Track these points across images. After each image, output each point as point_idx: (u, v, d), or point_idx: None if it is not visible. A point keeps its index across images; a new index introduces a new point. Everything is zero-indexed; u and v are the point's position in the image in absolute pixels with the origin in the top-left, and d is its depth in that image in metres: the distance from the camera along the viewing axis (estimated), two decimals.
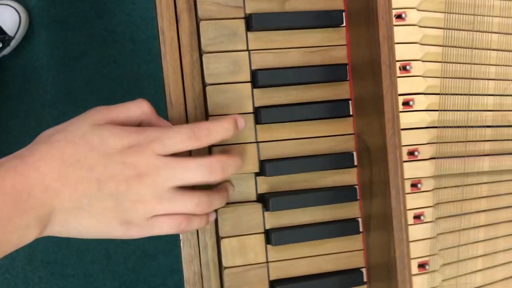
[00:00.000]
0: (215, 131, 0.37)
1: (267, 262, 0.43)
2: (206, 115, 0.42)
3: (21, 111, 1.14)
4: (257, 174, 0.43)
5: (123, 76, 1.18)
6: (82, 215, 0.35)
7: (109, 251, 1.17)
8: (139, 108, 0.38)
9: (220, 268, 0.43)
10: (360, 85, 0.43)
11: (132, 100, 0.38)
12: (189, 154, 0.41)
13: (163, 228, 0.37)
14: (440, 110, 0.45)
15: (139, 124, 0.38)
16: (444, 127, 0.45)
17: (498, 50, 0.46)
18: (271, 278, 0.43)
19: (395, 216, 0.38)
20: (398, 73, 0.42)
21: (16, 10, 1.11)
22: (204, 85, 0.42)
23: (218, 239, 0.43)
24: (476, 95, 0.46)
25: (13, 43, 1.13)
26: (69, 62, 1.16)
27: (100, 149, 0.35)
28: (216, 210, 0.42)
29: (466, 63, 0.46)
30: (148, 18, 1.18)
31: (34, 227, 0.34)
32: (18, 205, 0.33)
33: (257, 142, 0.43)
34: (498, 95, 0.47)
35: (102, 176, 0.35)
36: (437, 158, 0.45)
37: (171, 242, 1.19)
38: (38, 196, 0.34)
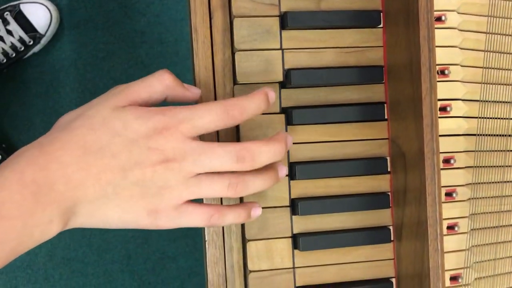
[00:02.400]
0: (249, 107, 0.34)
1: (294, 267, 0.42)
2: None
3: (48, 108, 1.16)
4: (290, 178, 0.42)
5: None
6: (108, 205, 0.34)
7: (129, 251, 1.17)
8: (162, 83, 0.35)
9: (245, 271, 0.42)
10: (396, 88, 0.41)
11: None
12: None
13: (192, 219, 0.35)
14: (479, 117, 0.44)
15: (164, 99, 0.36)
16: (483, 135, 0.44)
17: None
18: (297, 284, 0.42)
19: (430, 224, 0.37)
20: (437, 77, 0.41)
21: (48, 9, 1.12)
22: (235, 83, 0.41)
23: (244, 241, 0.42)
24: None
25: (43, 41, 1.14)
26: (96, 62, 1.17)
27: (123, 134, 0.33)
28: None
29: (508, 70, 0.44)
30: (177, 19, 1.18)
31: (57, 221, 0.33)
32: (39, 199, 0.32)
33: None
34: None
35: (127, 163, 0.33)
36: (474, 167, 0.44)
37: (191, 245, 1.18)
38: (60, 189, 0.32)
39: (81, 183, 0.33)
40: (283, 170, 0.36)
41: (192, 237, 1.17)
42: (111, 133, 0.33)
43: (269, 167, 0.36)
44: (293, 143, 0.42)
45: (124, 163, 0.33)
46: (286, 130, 0.42)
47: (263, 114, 0.41)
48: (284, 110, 0.42)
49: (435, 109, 0.37)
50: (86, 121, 0.33)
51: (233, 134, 0.41)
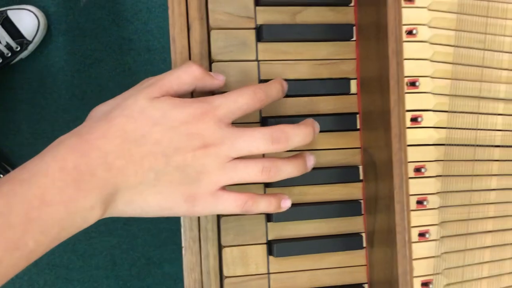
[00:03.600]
0: (271, 91, 0.37)
1: (269, 273, 0.43)
2: None
3: (35, 114, 1.16)
4: (266, 186, 0.43)
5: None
6: (148, 191, 0.35)
7: (114, 257, 1.17)
8: (190, 74, 0.37)
9: (221, 277, 0.43)
10: (368, 99, 0.43)
11: None
12: None
13: (227, 205, 0.36)
14: (449, 128, 0.45)
15: (194, 90, 0.38)
16: (452, 145, 0.45)
17: (509, 69, 0.46)
18: None
19: (398, 232, 0.38)
20: (406, 88, 0.42)
21: (36, 15, 1.13)
22: (212, 93, 0.42)
23: (220, 248, 0.43)
24: (486, 114, 0.46)
25: (31, 47, 1.15)
26: (84, 68, 1.18)
27: (162, 122, 0.34)
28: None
29: (476, 81, 0.45)
30: (164, 27, 1.19)
31: (98, 208, 0.33)
32: (81, 186, 0.32)
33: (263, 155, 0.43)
34: (508, 115, 0.46)
35: (168, 149, 0.34)
36: (444, 176, 0.45)
37: (177, 251, 1.18)
38: (102, 175, 0.33)
39: (122, 169, 0.34)
40: (311, 160, 0.38)
41: (177, 243, 1.18)
42: (151, 122, 0.34)
43: (298, 156, 0.38)
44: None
45: (166, 149, 0.34)
46: None
47: (242, 123, 0.42)
48: (263, 120, 0.43)
49: (403, 120, 0.38)
50: (124, 111, 0.34)
51: None
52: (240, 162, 0.36)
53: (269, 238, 0.43)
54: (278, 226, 0.43)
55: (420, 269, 0.44)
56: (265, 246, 0.43)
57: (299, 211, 0.43)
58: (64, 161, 0.32)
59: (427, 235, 0.45)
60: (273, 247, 0.42)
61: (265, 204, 0.37)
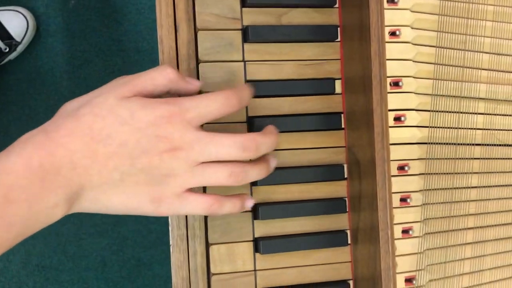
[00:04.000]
0: (243, 97, 0.37)
1: (255, 270, 0.44)
2: None
3: (24, 115, 1.16)
4: (252, 184, 0.44)
5: None
6: (113, 191, 0.35)
7: (104, 258, 1.17)
8: (165, 77, 0.36)
9: (208, 274, 0.43)
10: (352, 99, 0.43)
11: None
12: None
13: (193, 207, 0.36)
14: (431, 127, 0.46)
15: (167, 92, 0.37)
16: (434, 143, 0.46)
17: (489, 69, 0.47)
18: (258, 287, 0.44)
19: (381, 228, 0.39)
20: (389, 88, 0.43)
21: (24, 16, 1.13)
22: (199, 93, 0.43)
23: (208, 245, 0.43)
24: (466, 113, 0.47)
25: (20, 48, 1.15)
26: (73, 69, 1.18)
27: (130, 123, 0.34)
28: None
29: (457, 81, 0.47)
30: (153, 28, 1.20)
31: (62, 205, 0.34)
32: (45, 184, 0.32)
33: None
34: (487, 114, 0.47)
35: (135, 151, 0.34)
36: (427, 174, 0.46)
37: (166, 252, 1.19)
38: (67, 174, 0.33)
39: (87, 168, 0.34)
40: (274, 162, 0.39)
41: (167, 244, 1.18)
42: (118, 121, 0.34)
43: (262, 160, 0.38)
44: None
45: (132, 151, 0.34)
46: None
47: (228, 122, 0.43)
48: (249, 119, 0.44)
49: (385, 119, 0.39)
50: (93, 108, 0.34)
51: None
52: (208, 166, 0.35)
53: (256, 236, 0.44)
54: (264, 224, 0.44)
55: (404, 265, 0.45)
56: (251, 243, 0.43)
57: (285, 208, 0.43)
58: (29, 159, 0.32)
59: (410, 232, 0.46)
60: (260, 244, 0.43)
61: (230, 206, 0.37)
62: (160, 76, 0.36)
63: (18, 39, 1.13)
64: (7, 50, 1.12)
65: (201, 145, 0.35)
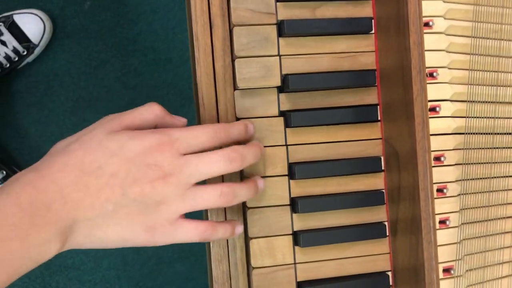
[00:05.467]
0: (232, 132, 0.38)
1: (295, 263, 0.44)
2: (237, 118, 0.43)
3: (43, 117, 1.16)
4: (290, 178, 0.44)
5: (143, 84, 1.20)
6: (106, 223, 0.35)
7: (126, 257, 1.18)
8: (151, 112, 0.37)
9: (249, 268, 0.43)
10: (388, 91, 0.43)
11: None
12: None
13: (187, 234, 0.36)
14: (467, 117, 0.46)
15: (155, 127, 0.38)
16: (471, 133, 0.46)
17: None
18: (298, 279, 0.44)
19: (424, 218, 0.39)
20: (426, 79, 0.43)
21: (41, 19, 1.13)
22: (235, 88, 0.43)
23: (247, 240, 0.43)
24: (503, 102, 0.47)
25: (37, 51, 1.15)
26: (90, 70, 1.18)
27: (120, 154, 0.34)
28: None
29: (493, 71, 0.46)
30: (168, 27, 1.20)
31: (55, 241, 0.33)
32: (36, 221, 0.32)
33: (286, 145, 0.44)
34: None
35: (126, 181, 0.34)
36: (463, 164, 0.46)
37: (187, 250, 1.19)
38: (58, 209, 0.33)
39: (79, 202, 0.34)
40: (262, 183, 0.40)
41: (187, 242, 1.18)
42: (108, 153, 0.34)
43: (250, 180, 0.39)
44: (292, 145, 0.44)
45: (123, 181, 0.34)
46: (285, 133, 0.44)
47: (262, 117, 0.43)
48: (282, 114, 0.44)
49: (425, 109, 0.39)
50: (82, 144, 0.35)
51: None
52: (199, 189, 0.36)
53: (295, 229, 0.44)
54: (303, 217, 0.44)
55: (442, 255, 0.45)
56: (291, 237, 0.44)
57: (323, 202, 0.43)
58: (18, 198, 0.32)
59: (447, 222, 0.46)
60: (299, 237, 0.43)
61: (223, 231, 0.38)
62: (147, 112, 0.37)
63: (35, 41, 1.13)
64: (25, 53, 1.13)
65: (191, 167, 0.35)
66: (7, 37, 1.11)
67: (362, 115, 0.44)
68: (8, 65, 1.12)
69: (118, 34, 1.19)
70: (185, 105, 1.20)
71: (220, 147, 0.37)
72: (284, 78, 0.43)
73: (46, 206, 0.33)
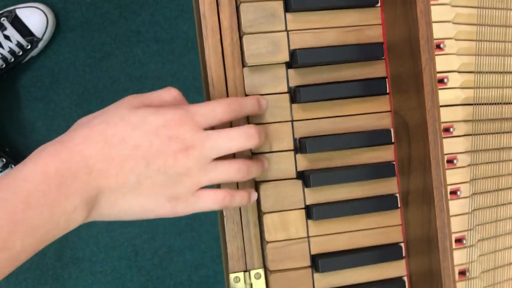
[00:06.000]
0: (245, 105, 0.39)
1: (308, 237, 0.44)
2: (246, 95, 0.44)
3: (49, 111, 1.17)
4: (296, 152, 0.44)
5: (148, 75, 1.20)
6: (130, 193, 0.36)
7: (136, 247, 1.19)
8: (170, 94, 0.39)
9: (263, 243, 0.44)
10: (396, 62, 0.44)
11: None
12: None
13: (208, 202, 0.38)
14: (475, 88, 0.46)
15: None
16: (479, 104, 0.46)
17: None
18: (312, 253, 0.44)
19: (436, 186, 0.39)
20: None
21: (44, 12, 1.13)
22: (244, 65, 0.43)
23: (260, 215, 0.44)
24: (511, 72, 0.47)
25: (41, 45, 1.15)
26: (94, 63, 1.18)
27: (142, 127, 0.36)
28: (257, 192, 0.43)
29: (500, 41, 0.46)
30: (171, 18, 1.20)
31: (81, 210, 0.34)
32: (63, 190, 0.34)
33: (292, 120, 0.44)
34: None
35: (149, 152, 0.35)
36: (473, 134, 0.46)
37: (197, 238, 1.20)
38: (84, 178, 0.34)
39: (104, 172, 0.35)
40: (267, 162, 0.43)
41: (197, 230, 1.19)
42: (130, 126, 0.36)
43: (259, 158, 0.42)
44: (301, 120, 0.44)
45: (146, 153, 0.35)
46: (291, 109, 0.44)
47: (271, 94, 0.44)
48: (291, 89, 0.44)
49: (434, 78, 0.39)
50: (105, 118, 0.36)
51: None
52: (219, 164, 0.37)
53: (307, 203, 0.44)
54: (315, 191, 0.44)
55: (453, 225, 0.46)
56: (303, 211, 0.44)
57: (334, 175, 0.44)
58: (46, 166, 0.33)
59: (458, 193, 0.46)
60: (312, 211, 0.43)
61: (240, 198, 0.39)
62: (165, 94, 0.39)
63: (39, 35, 1.14)
64: (29, 47, 1.13)
65: (211, 142, 0.37)
66: (11, 31, 1.12)
67: (371, 88, 0.45)
68: (12, 59, 1.13)
69: (121, 26, 1.19)
70: (189, 96, 1.20)
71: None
72: (292, 53, 0.43)
73: (72, 175, 0.34)
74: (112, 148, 0.35)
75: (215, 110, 0.37)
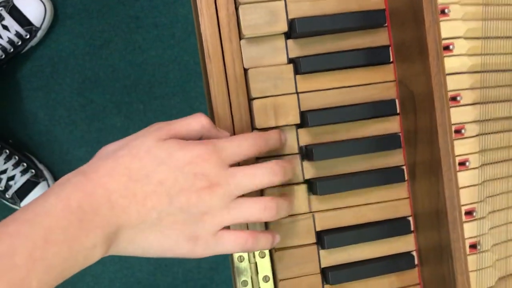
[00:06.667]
0: (269, 139, 0.39)
1: (312, 212, 0.43)
2: (245, 70, 0.42)
3: (51, 100, 1.16)
4: (298, 126, 0.43)
5: (148, 62, 1.18)
6: (150, 230, 0.35)
7: None
8: (199, 123, 0.38)
9: (266, 222, 0.43)
10: (399, 29, 0.42)
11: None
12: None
13: (228, 245, 0.37)
14: (482, 54, 0.44)
15: (200, 138, 0.38)
16: (487, 71, 0.44)
17: None
18: (317, 229, 0.43)
19: (443, 155, 0.38)
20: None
21: (41, 1, 1.12)
22: (241, 37, 0.42)
23: (263, 191, 0.42)
24: None
25: (40, 34, 1.14)
26: (94, 50, 1.17)
27: (168, 162, 0.35)
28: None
29: (508, 5, 0.45)
30: (170, 2, 1.18)
31: (100, 246, 0.34)
32: (84, 225, 0.33)
33: (297, 93, 0.43)
34: None
35: (173, 190, 0.35)
36: (481, 103, 0.44)
37: None
38: (105, 214, 0.34)
39: (126, 208, 0.34)
40: (292, 200, 0.42)
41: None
42: (156, 161, 0.35)
43: (287, 195, 0.41)
44: (303, 92, 0.43)
45: (170, 189, 0.35)
46: (295, 80, 0.42)
47: (271, 66, 0.42)
48: (291, 61, 0.42)
49: (439, 42, 0.38)
50: (131, 150, 0.35)
51: (242, 80, 0.42)
52: (244, 202, 0.36)
53: (308, 177, 0.43)
54: (317, 165, 0.43)
55: (463, 198, 0.44)
56: (305, 185, 0.43)
57: (338, 148, 0.42)
58: (68, 200, 0.33)
59: (467, 164, 0.44)
60: (315, 186, 0.42)
61: (264, 241, 0.38)
62: (194, 122, 0.38)
63: (37, 24, 1.12)
64: (28, 36, 1.12)
65: (236, 179, 0.36)
66: (9, 21, 1.10)
67: (374, 57, 0.43)
68: (12, 49, 1.12)
69: (120, 12, 1.17)
70: (190, 81, 1.18)
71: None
72: (291, 22, 0.41)
73: (94, 210, 0.33)
74: (136, 184, 0.34)
75: (241, 146, 0.37)
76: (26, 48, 1.14)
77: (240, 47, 0.42)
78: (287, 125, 0.43)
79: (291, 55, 0.42)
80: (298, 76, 0.42)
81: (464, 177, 0.44)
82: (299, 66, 0.42)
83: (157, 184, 0.35)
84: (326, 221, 0.43)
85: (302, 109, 0.43)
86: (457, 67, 0.44)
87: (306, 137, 0.43)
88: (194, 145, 0.36)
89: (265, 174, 0.36)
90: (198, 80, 1.17)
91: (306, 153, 0.42)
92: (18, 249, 0.31)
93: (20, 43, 1.12)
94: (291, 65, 0.42)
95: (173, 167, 0.35)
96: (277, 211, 0.37)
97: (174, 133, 0.37)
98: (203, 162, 0.35)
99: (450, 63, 0.43)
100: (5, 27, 1.10)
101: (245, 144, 0.37)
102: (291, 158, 0.42)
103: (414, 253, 0.44)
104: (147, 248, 0.36)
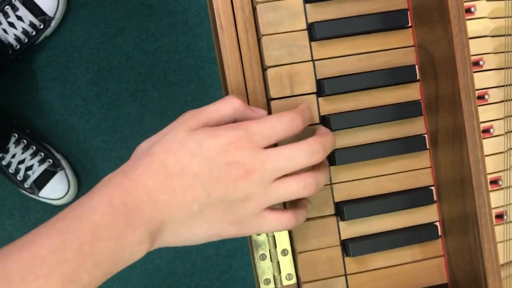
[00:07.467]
0: (307, 117, 0.37)
1: (331, 183, 0.42)
2: (257, 37, 0.41)
3: (67, 90, 1.16)
4: (318, 95, 0.42)
5: (162, 49, 1.18)
6: (193, 222, 0.35)
7: None
8: (231, 106, 0.37)
9: None
10: None
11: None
12: None
13: (272, 225, 0.37)
14: (506, 17, 0.43)
15: (234, 121, 0.37)
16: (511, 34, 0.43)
17: None
18: (336, 200, 0.42)
19: (467, 119, 0.36)
20: None
21: None
22: (253, 4, 0.41)
23: None
24: None
25: (54, 24, 1.14)
26: (108, 39, 1.17)
27: (200, 154, 0.35)
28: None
29: None
30: None
31: (145, 242, 0.34)
32: (129, 221, 0.34)
33: (313, 60, 0.41)
34: None
35: (209, 182, 0.35)
36: (505, 68, 0.43)
37: None
38: (148, 211, 0.34)
39: (167, 204, 0.35)
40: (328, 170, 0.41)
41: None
42: (189, 153, 0.35)
43: (321, 164, 0.38)
44: (319, 60, 0.41)
45: (206, 181, 0.35)
46: (310, 47, 0.41)
47: (286, 32, 0.41)
48: (309, 26, 0.41)
49: (460, 1, 0.36)
50: (164, 145, 0.35)
51: (255, 49, 0.41)
52: (282, 182, 0.35)
53: None
54: (336, 135, 0.42)
55: (488, 166, 0.43)
56: None
57: (357, 116, 0.41)
58: (111, 198, 0.34)
59: (491, 131, 0.43)
60: (334, 155, 0.41)
61: (302, 217, 0.38)
62: (226, 106, 0.37)
63: (51, 14, 1.12)
64: (42, 26, 1.12)
65: (272, 162, 0.35)
66: (23, 11, 1.11)
67: (391, 21, 0.41)
68: (26, 40, 1.12)
69: (133, 0, 1.17)
70: (205, 67, 1.18)
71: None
72: None
73: (137, 207, 0.34)
74: (174, 178, 0.35)
75: (274, 128, 0.35)
76: (40, 39, 1.15)
77: (254, 15, 0.41)
78: (303, 94, 0.41)
79: (310, 20, 0.41)
80: (313, 43, 0.41)
81: (488, 145, 0.43)
82: (314, 32, 0.40)
83: (193, 177, 0.35)
84: (345, 192, 0.42)
85: (318, 77, 0.41)
86: (479, 30, 0.42)
87: (326, 106, 0.42)
88: (225, 131, 0.35)
89: (303, 155, 0.35)
90: (213, 66, 1.16)
91: (325, 122, 0.41)
92: (68, 244, 0.32)
93: (34, 33, 1.12)
94: (306, 32, 0.41)
95: (205, 158, 0.34)
96: (317, 187, 0.36)
97: (205, 120, 0.36)
98: (235, 149, 0.34)
99: (472, 26, 0.42)
100: (19, 18, 1.11)
101: (279, 126, 0.35)
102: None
103: (438, 224, 0.43)
104: (193, 238, 0.36)
